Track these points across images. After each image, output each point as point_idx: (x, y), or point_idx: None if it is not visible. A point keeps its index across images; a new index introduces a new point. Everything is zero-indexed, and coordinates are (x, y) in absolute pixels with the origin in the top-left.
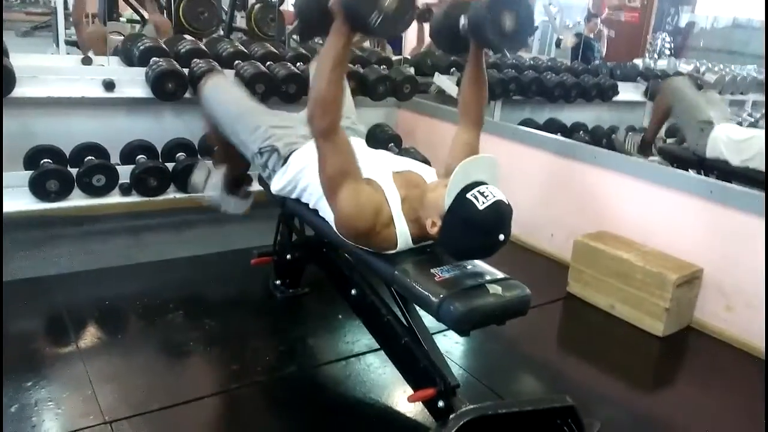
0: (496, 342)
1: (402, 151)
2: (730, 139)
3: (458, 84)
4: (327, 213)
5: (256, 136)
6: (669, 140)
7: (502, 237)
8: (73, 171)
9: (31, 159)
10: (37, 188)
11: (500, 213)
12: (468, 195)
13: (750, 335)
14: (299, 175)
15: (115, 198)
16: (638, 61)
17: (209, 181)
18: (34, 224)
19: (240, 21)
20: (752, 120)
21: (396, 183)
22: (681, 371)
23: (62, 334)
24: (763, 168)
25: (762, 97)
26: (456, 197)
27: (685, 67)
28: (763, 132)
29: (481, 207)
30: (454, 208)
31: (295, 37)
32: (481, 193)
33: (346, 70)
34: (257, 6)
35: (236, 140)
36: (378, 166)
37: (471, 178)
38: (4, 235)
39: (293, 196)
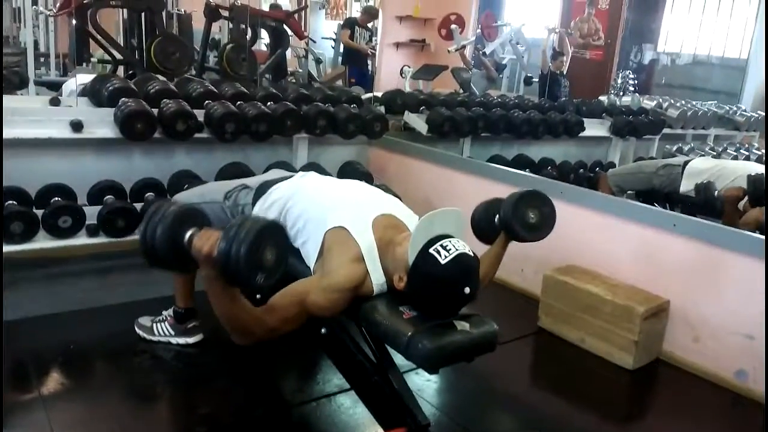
0: (468, 379)
1: None
2: (695, 168)
3: (427, 122)
4: (310, 257)
5: (225, 187)
6: None
7: (467, 290)
8: (39, 212)
9: None
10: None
11: (463, 266)
12: (430, 249)
13: (716, 366)
14: (287, 205)
15: (81, 239)
16: (603, 98)
17: (157, 324)
18: None
19: (213, 61)
20: (714, 153)
21: (375, 228)
22: (651, 403)
23: (24, 380)
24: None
25: (724, 132)
26: (419, 252)
27: (648, 103)
28: (720, 162)
29: (443, 261)
30: (418, 263)
31: (267, 76)
32: (444, 247)
33: (239, 294)
34: (229, 46)
35: (206, 208)
36: (358, 213)
37: (434, 232)
38: None
39: None
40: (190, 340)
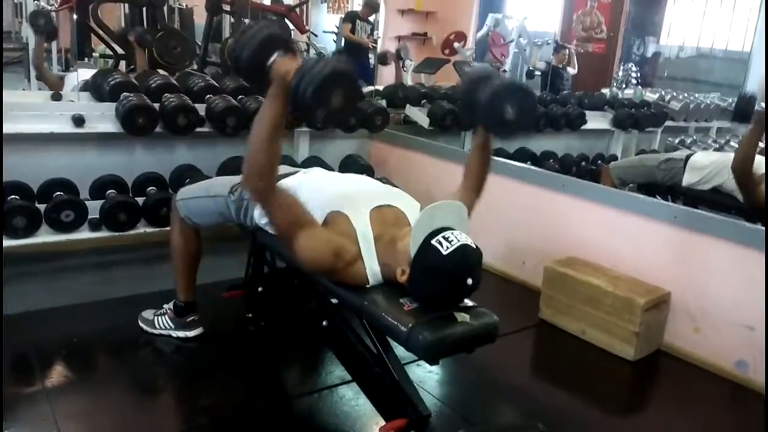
0: (469, 370)
1: None
2: (697, 162)
3: (429, 115)
4: None
5: (230, 182)
6: None
7: (470, 281)
8: (42, 207)
9: None
10: (4, 225)
11: (466, 257)
12: (432, 241)
13: (717, 357)
14: None
15: (84, 234)
16: (605, 91)
17: (159, 318)
18: None
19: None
20: (717, 146)
21: (372, 220)
22: (652, 395)
23: (28, 373)
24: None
25: (726, 124)
26: (421, 244)
27: (650, 96)
28: (721, 156)
29: (445, 252)
30: (420, 255)
31: None
32: (446, 239)
33: (282, 134)
34: (230, 40)
35: (211, 202)
36: (358, 202)
37: (436, 224)
38: None
39: None
40: (190, 333)
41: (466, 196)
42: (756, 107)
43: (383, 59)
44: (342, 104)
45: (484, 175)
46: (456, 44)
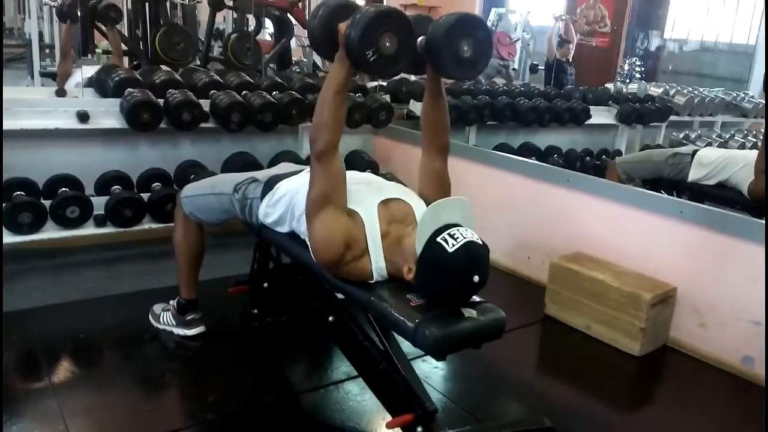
0: (474, 366)
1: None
2: (704, 157)
3: None
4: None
5: (235, 179)
6: None
7: (476, 279)
8: (47, 203)
9: (4, 192)
10: (10, 221)
11: (472, 254)
12: (438, 238)
13: (724, 352)
14: (295, 198)
15: (89, 229)
16: (610, 85)
17: (164, 313)
18: (7, 257)
19: (217, 51)
20: (721, 141)
21: (380, 215)
22: (658, 390)
23: (34, 368)
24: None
25: (731, 118)
26: (426, 242)
27: (654, 90)
28: (727, 151)
29: (450, 249)
30: (425, 253)
31: (272, 65)
32: (451, 236)
33: (346, 98)
34: (233, 36)
35: (215, 199)
36: (366, 197)
37: (441, 221)
38: None
39: (284, 228)
40: (189, 332)
41: (435, 161)
42: None
43: None
44: (395, 48)
45: (446, 127)
46: None
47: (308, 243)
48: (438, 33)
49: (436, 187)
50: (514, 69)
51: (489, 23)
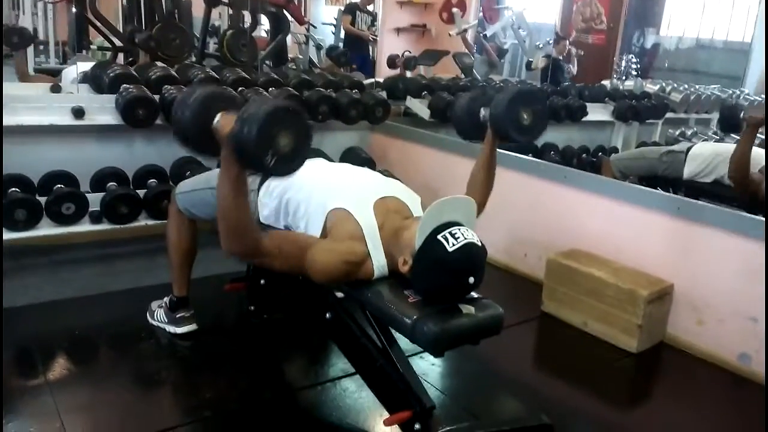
0: (472, 362)
1: None
2: (698, 153)
3: (430, 107)
4: None
5: None
6: None
7: (471, 280)
8: (42, 200)
9: None
10: (5, 218)
11: (470, 255)
12: (439, 236)
13: (721, 349)
14: (290, 191)
15: (85, 226)
16: (606, 82)
17: (158, 309)
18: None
19: (213, 47)
20: (717, 138)
21: (376, 211)
22: (656, 387)
23: (30, 366)
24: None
25: None
26: (427, 237)
27: (651, 87)
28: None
29: (450, 248)
30: (424, 248)
31: (268, 62)
32: (452, 235)
33: (248, 194)
34: (229, 32)
35: (211, 194)
36: (361, 194)
37: (444, 218)
38: None
39: (279, 224)
40: (179, 330)
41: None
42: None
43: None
44: (292, 146)
45: (489, 188)
46: (455, 10)
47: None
48: (500, 106)
49: None
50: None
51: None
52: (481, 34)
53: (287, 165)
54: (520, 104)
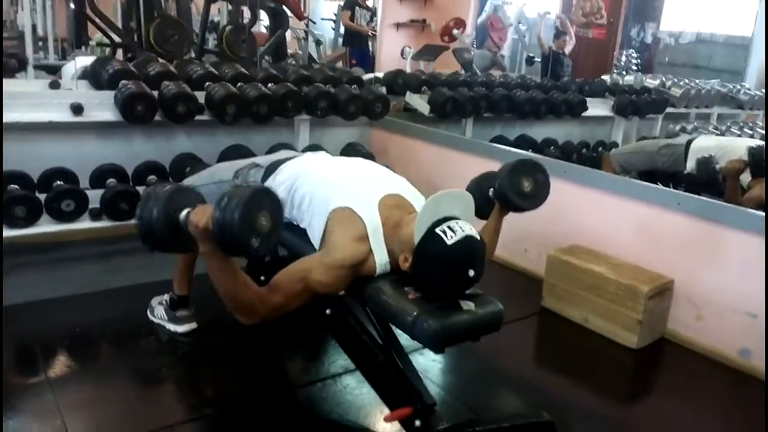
0: (472, 359)
1: None
2: (700, 146)
3: (429, 102)
4: (315, 237)
5: (235, 166)
6: None
7: (471, 273)
8: (42, 196)
9: None
10: (5, 215)
11: (469, 248)
12: (437, 230)
13: (721, 344)
14: (296, 183)
15: (84, 223)
16: (606, 77)
17: (159, 306)
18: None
19: (212, 43)
20: (718, 132)
21: (381, 209)
22: (656, 382)
23: (31, 363)
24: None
25: (727, 110)
26: (425, 232)
27: (651, 82)
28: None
29: (449, 242)
30: (423, 243)
31: (267, 58)
32: (450, 228)
33: (240, 271)
34: (228, 28)
35: (215, 188)
36: (365, 192)
37: (441, 212)
38: None
39: (286, 216)
40: (179, 329)
41: None
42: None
43: None
44: (270, 227)
45: (492, 251)
46: (455, 31)
47: (315, 243)
48: (503, 177)
49: None
50: (502, 55)
51: (484, 14)
52: (499, 55)
53: (269, 243)
54: (521, 174)
